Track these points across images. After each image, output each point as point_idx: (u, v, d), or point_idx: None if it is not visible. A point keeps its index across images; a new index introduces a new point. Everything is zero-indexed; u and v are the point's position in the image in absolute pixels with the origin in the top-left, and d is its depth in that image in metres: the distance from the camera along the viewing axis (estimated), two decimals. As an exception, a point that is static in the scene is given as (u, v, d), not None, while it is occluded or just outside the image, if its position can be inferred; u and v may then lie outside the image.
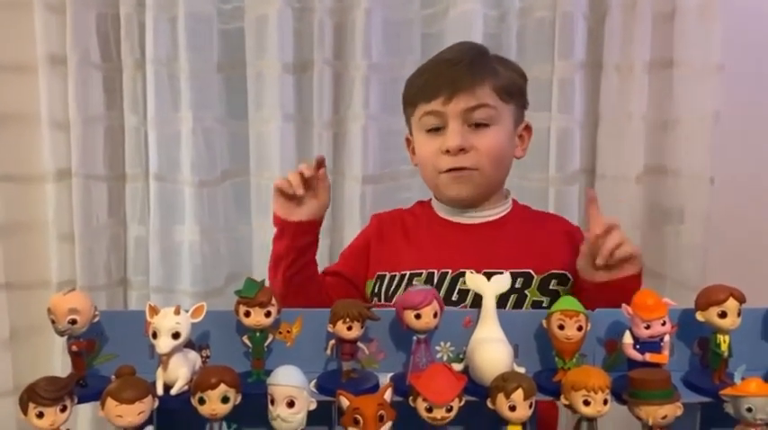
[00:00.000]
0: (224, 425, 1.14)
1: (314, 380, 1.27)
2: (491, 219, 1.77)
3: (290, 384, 1.12)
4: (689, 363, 1.40)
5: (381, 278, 1.74)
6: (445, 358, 1.35)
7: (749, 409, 1.16)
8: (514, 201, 1.84)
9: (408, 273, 1.71)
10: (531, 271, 1.66)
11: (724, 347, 1.29)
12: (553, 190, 2.48)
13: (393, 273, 1.72)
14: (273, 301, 1.25)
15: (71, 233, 2.44)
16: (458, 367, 1.31)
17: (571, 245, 1.67)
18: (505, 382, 1.14)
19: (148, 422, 1.11)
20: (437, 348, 1.36)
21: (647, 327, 1.24)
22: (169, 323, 1.16)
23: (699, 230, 2.33)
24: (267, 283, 1.28)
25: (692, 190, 2.34)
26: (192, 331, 1.22)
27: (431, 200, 1.86)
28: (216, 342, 1.33)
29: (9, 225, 2.43)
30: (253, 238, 2.56)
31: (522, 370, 1.29)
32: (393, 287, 1.71)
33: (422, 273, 1.69)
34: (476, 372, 1.24)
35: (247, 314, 1.24)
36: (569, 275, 1.68)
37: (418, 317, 1.25)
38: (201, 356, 1.29)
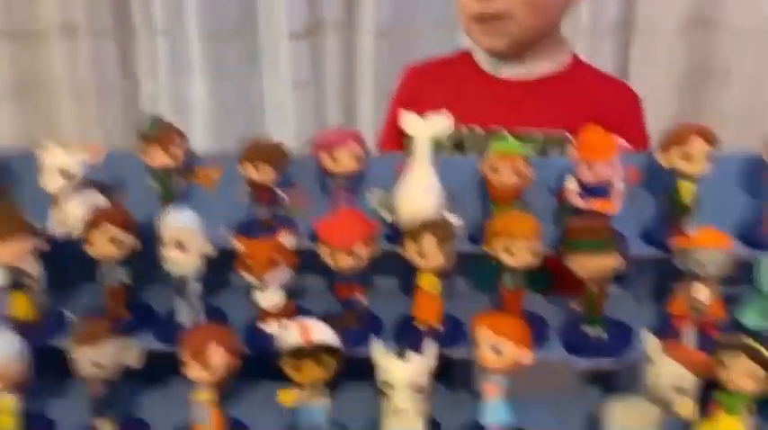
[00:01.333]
0: (119, 270, 1.07)
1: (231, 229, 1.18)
2: (540, 76, 1.53)
3: (180, 226, 1.03)
4: (653, 217, 1.24)
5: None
6: (377, 206, 1.23)
7: (699, 263, 1.02)
8: (575, 57, 1.58)
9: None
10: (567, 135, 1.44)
11: (686, 196, 1.12)
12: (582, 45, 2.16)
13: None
14: (178, 140, 1.14)
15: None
16: (387, 216, 1.20)
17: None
18: (418, 228, 1.03)
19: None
20: (368, 195, 1.24)
21: (591, 170, 1.07)
22: (58, 161, 1.08)
23: (748, 93, 2.08)
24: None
25: (742, 46, 2.07)
26: (108, 175, 1.15)
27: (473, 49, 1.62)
28: (129, 185, 1.25)
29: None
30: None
31: (455, 219, 1.17)
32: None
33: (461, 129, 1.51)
34: (399, 220, 1.13)
35: (148, 153, 1.14)
36: None
37: (334, 159, 1.12)
38: (114, 201, 1.22)
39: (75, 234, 1.10)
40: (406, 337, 1.05)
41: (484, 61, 1.59)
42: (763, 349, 0.92)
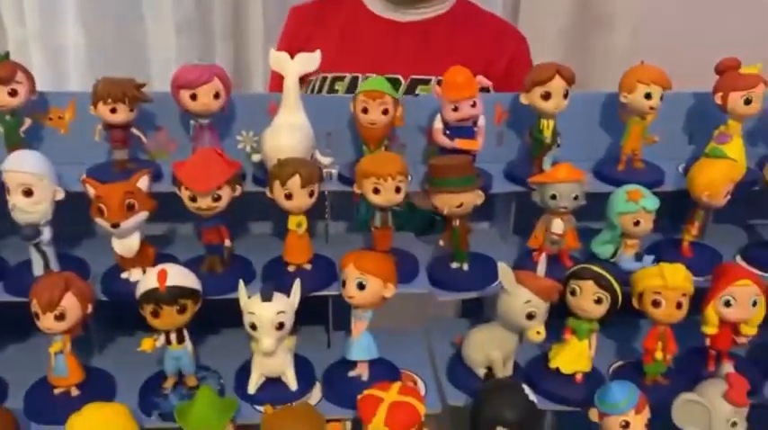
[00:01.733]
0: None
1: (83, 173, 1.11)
2: (427, 16, 1.52)
3: (23, 170, 0.96)
4: (518, 154, 1.29)
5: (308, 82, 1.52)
6: (248, 149, 1.20)
7: (553, 197, 1.06)
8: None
9: (330, 76, 1.49)
10: None
11: (547, 133, 1.16)
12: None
13: (312, 77, 1.50)
14: (21, 78, 1.05)
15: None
16: (256, 159, 1.17)
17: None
18: (280, 169, 1.01)
19: None
20: (239, 138, 1.21)
21: (455, 109, 1.09)
22: None
23: (630, 36, 2.14)
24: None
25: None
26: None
27: None
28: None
29: None
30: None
31: (328, 160, 1.17)
32: (315, 92, 1.50)
33: (345, 77, 1.49)
34: (267, 161, 1.10)
35: (-12, 93, 1.04)
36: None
37: (194, 97, 1.07)
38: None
39: None
40: (275, 279, 1.04)
41: (371, 2, 1.56)
42: (609, 276, 0.99)
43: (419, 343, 1.15)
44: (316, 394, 1.01)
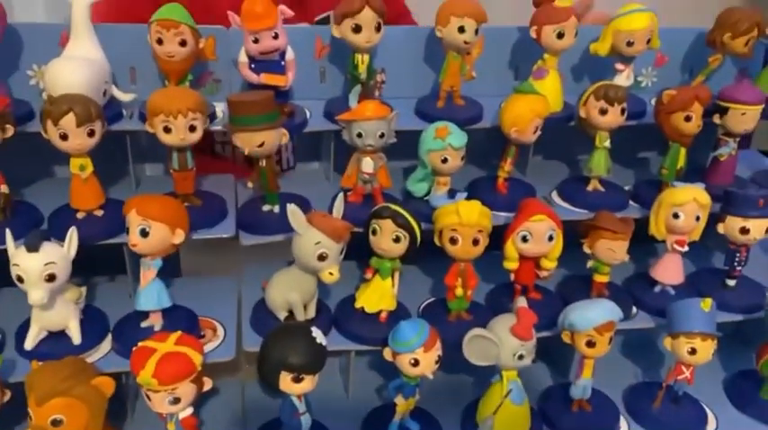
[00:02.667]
0: None
1: None
2: None
3: None
4: (342, 91, 1.24)
5: None
6: (41, 84, 1.10)
7: (359, 135, 1.03)
8: None
9: None
10: None
11: (361, 68, 1.11)
12: None
13: None
14: None
15: None
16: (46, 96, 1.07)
17: None
18: (53, 106, 0.91)
19: None
20: (29, 73, 1.09)
21: (256, 41, 1.02)
22: None
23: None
24: None
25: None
26: None
27: None
28: None
29: None
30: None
31: (129, 96, 1.08)
32: None
33: None
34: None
35: None
36: None
37: (-44, 25, 0.95)
38: None
39: None
40: (59, 226, 0.97)
41: None
42: (407, 214, 0.98)
43: (232, 290, 1.11)
44: (104, 347, 0.96)
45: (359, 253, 1.05)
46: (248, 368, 1.13)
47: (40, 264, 0.85)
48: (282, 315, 1.00)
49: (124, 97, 1.08)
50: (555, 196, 1.20)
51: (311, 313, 1.00)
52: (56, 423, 0.77)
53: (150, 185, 1.14)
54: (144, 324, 0.97)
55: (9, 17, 1.04)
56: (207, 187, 1.14)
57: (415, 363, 0.90)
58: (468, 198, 1.04)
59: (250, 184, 1.06)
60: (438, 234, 1.00)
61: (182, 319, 0.98)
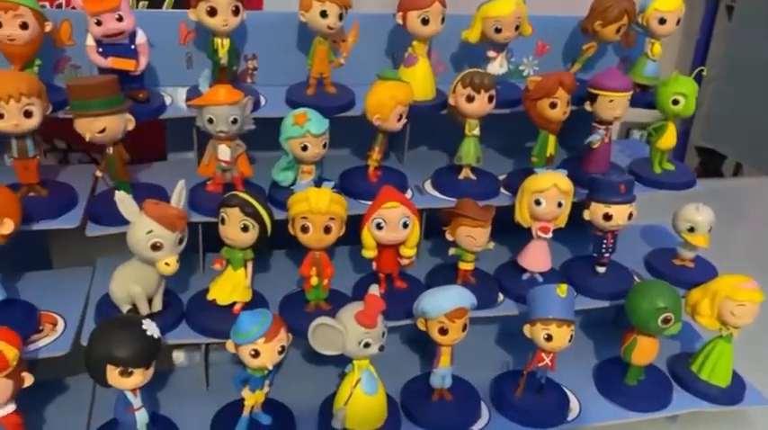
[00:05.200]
0: None
1: None
2: None
3: None
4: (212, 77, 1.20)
5: None
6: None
7: (210, 120, 0.99)
8: None
9: None
10: None
11: (222, 53, 1.07)
12: None
13: None
14: None
15: None
16: None
17: None
18: None
19: None
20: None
21: (99, 23, 0.98)
22: None
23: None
24: None
25: None
26: None
27: None
28: None
29: None
30: None
31: None
32: None
33: None
34: None
35: None
36: None
37: None
38: None
39: None
40: None
41: None
42: (256, 203, 0.95)
43: (83, 283, 1.07)
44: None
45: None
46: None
47: None
48: (125, 308, 0.96)
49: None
50: (428, 185, 1.19)
51: (157, 306, 0.97)
52: None
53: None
54: (-25, 319, 0.92)
55: None
56: (64, 178, 1.10)
57: (256, 354, 0.87)
58: (339, 187, 1.02)
59: (99, 173, 1.02)
60: (291, 222, 0.98)
61: (17, 313, 0.94)
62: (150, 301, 0.96)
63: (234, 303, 0.99)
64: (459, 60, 1.29)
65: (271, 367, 0.88)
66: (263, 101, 1.13)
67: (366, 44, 1.22)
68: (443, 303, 0.95)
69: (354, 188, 1.11)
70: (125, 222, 1.00)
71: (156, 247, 0.88)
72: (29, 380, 0.81)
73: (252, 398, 0.93)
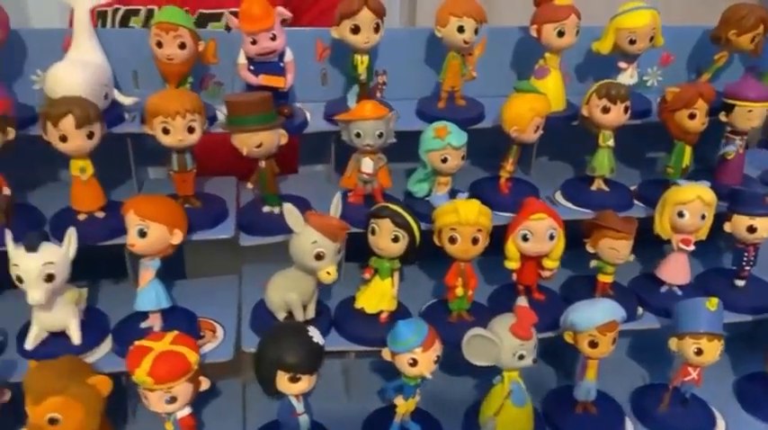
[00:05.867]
0: None
1: None
2: None
3: None
4: (342, 92, 1.23)
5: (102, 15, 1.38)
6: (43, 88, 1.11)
7: (358, 135, 1.03)
8: None
9: (123, 8, 1.35)
10: None
11: (361, 69, 1.11)
12: None
13: (103, 9, 1.36)
14: None
15: None
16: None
17: None
18: (51, 108, 0.92)
19: None
20: (34, 77, 1.10)
21: (254, 42, 1.02)
22: None
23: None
24: None
25: None
26: None
27: None
28: None
29: None
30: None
31: (130, 100, 1.09)
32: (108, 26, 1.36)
33: (139, 10, 1.35)
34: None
35: None
36: None
37: (-40, 30, 0.97)
38: None
39: None
40: (60, 228, 0.97)
41: None
42: (406, 214, 0.97)
43: (233, 291, 1.11)
44: (104, 347, 0.96)
45: (360, 254, 1.05)
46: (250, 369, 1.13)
47: (39, 263, 0.86)
48: (282, 315, 0.99)
49: (126, 100, 1.09)
50: (558, 196, 1.18)
51: (310, 314, 1.00)
52: (53, 421, 0.77)
53: (153, 188, 1.15)
54: (143, 324, 0.97)
55: (25, 23, 1.06)
56: (209, 189, 1.15)
57: (414, 363, 0.89)
58: (470, 198, 1.04)
59: (250, 185, 1.06)
60: (437, 233, 0.99)
61: (181, 320, 0.98)
62: (304, 309, 0.99)
63: (380, 312, 1.01)
64: (584, 71, 1.29)
65: (429, 376, 0.90)
66: (395, 115, 1.16)
67: (490, 57, 1.23)
68: (595, 316, 0.95)
69: (486, 199, 1.11)
70: (275, 233, 1.05)
71: (319, 257, 0.91)
72: (206, 384, 0.85)
73: (404, 406, 0.94)
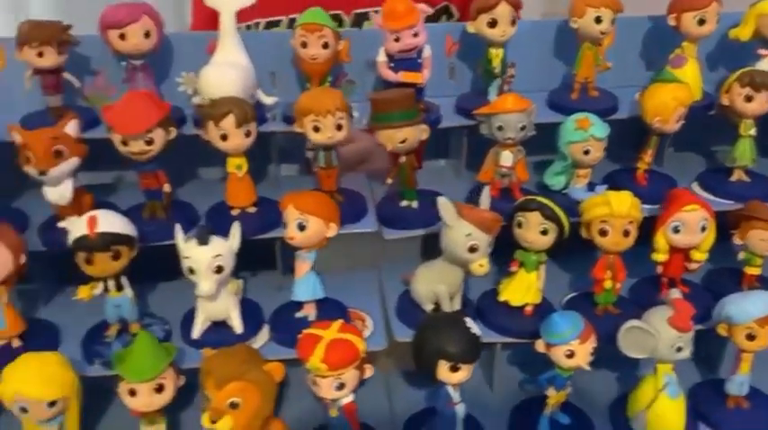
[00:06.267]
0: None
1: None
2: None
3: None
4: (470, 87, 1.25)
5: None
6: (189, 91, 1.16)
7: (499, 128, 1.03)
8: None
9: (263, 21, 1.40)
10: None
11: (496, 63, 1.12)
12: None
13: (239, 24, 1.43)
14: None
15: None
16: (196, 101, 1.13)
17: None
18: (213, 108, 0.97)
19: None
20: (179, 80, 1.16)
21: (397, 40, 1.04)
22: None
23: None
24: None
25: None
26: None
27: None
28: None
29: None
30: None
31: (271, 100, 1.13)
32: None
33: (281, 21, 1.40)
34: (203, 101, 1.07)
35: None
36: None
37: (123, 37, 1.02)
38: None
39: None
40: (217, 223, 1.02)
41: None
42: (555, 206, 0.97)
43: (372, 283, 1.14)
44: (263, 336, 1.00)
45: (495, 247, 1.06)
46: (386, 360, 1.15)
47: (210, 256, 0.91)
48: (429, 307, 1.01)
49: (267, 100, 1.13)
50: (696, 187, 1.16)
51: (456, 305, 1.01)
52: (233, 405, 0.81)
53: (289, 184, 1.18)
54: (298, 314, 1.01)
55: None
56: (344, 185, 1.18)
57: (571, 355, 0.89)
58: (609, 190, 1.03)
59: (389, 181, 1.09)
60: (585, 226, 0.99)
61: (333, 310, 1.01)
62: (450, 301, 1.00)
63: (525, 305, 1.02)
64: (715, 59, 1.26)
65: (587, 367, 0.90)
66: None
67: (619, 47, 1.22)
68: (753, 309, 0.93)
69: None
70: (415, 226, 1.08)
71: (472, 250, 0.92)
72: (370, 371, 0.88)
73: (555, 397, 0.95)
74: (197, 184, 1.21)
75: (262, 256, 1.11)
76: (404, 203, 1.10)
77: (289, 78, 1.19)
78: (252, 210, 1.05)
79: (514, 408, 1.04)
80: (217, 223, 1.03)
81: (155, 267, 1.03)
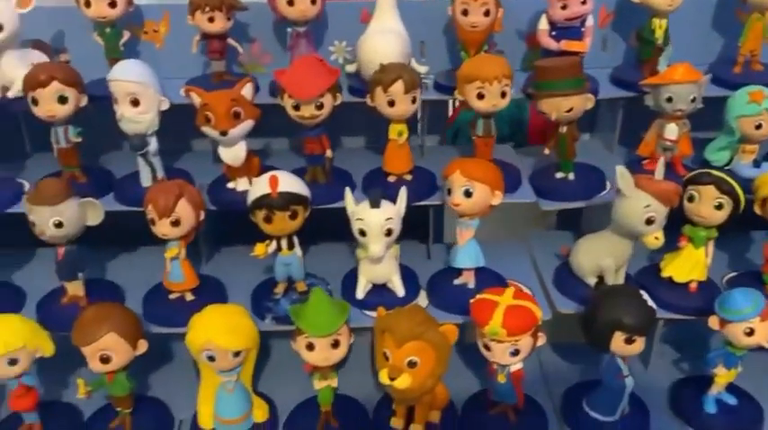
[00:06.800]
0: (70, 129, 1.01)
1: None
2: None
3: (129, 79, 0.96)
4: (623, 58, 1.22)
5: None
6: (340, 60, 1.18)
7: (669, 99, 1.00)
8: None
9: None
10: None
11: (659, 33, 1.08)
12: None
13: None
14: (119, -10, 1.04)
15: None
16: (351, 69, 1.15)
17: None
18: (383, 74, 0.97)
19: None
20: (331, 48, 1.17)
21: (564, 7, 1.03)
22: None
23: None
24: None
25: None
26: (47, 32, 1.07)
27: None
28: (74, 43, 1.15)
29: None
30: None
31: (424, 68, 1.13)
32: None
33: None
34: (363, 69, 1.08)
35: (88, 4, 1.04)
36: None
37: (291, 3, 1.04)
38: (56, 58, 1.13)
39: (12, 93, 1.03)
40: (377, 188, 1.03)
41: None
42: (732, 180, 0.94)
43: (521, 254, 1.13)
44: (422, 301, 1.01)
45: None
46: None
47: (382, 219, 0.92)
48: (592, 280, 1.00)
49: (421, 69, 1.13)
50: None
51: (620, 279, 1.00)
52: (411, 364, 0.82)
53: (434, 154, 1.19)
54: (457, 281, 1.01)
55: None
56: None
57: (750, 333, 0.87)
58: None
59: (547, 151, 1.07)
60: (760, 202, 0.95)
61: (491, 279, 1.01)
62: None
63: (690, 281, 0.99)
64: None
65: (767, 345, 0.87)
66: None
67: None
68: None
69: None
70: (572, 198, 1.06)
71: (649, 221, 0.90)
72: (542, 339, 0.87)
73: (725, 377, 0.93)
74: (343, 152, 1.22)
75: (406, 224, 1.12)
76: (559, 175, 1.08)
77: (439, 47, 1.19)
78: (408, 177, 1.06)
79: (673, 386, 1.01)
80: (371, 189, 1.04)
81: (310, 229, 1.06)
